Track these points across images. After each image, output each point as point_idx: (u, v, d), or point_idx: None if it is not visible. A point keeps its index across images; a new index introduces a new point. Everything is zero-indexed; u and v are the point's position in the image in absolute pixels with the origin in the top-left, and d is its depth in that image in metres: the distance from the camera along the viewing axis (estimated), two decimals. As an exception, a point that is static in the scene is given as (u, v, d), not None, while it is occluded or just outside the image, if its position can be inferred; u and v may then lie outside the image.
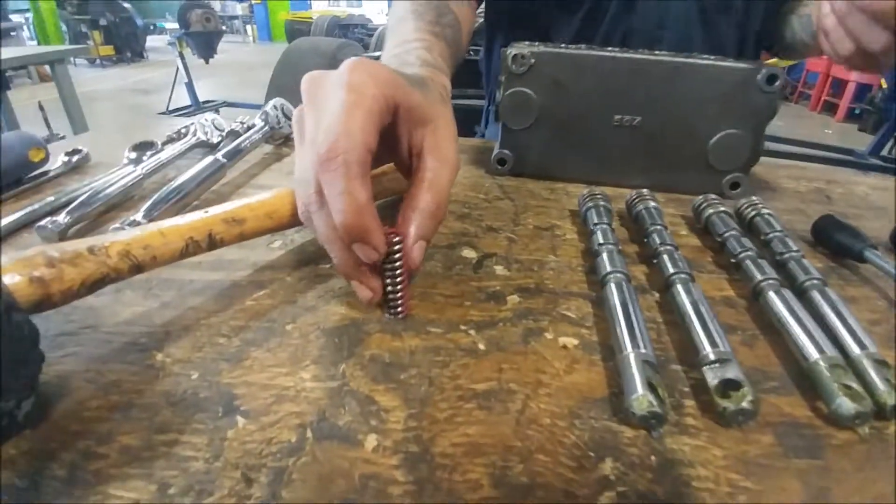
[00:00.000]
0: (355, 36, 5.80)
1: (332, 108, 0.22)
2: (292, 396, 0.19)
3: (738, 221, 0.33)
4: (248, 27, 14.08)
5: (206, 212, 0.25)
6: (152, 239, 0.22)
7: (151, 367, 0.20)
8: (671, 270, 0.26)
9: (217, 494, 0.15)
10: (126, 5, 7.67)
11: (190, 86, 4.20)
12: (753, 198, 0.34)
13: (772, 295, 0.24)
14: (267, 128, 0.47)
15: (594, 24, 0.51)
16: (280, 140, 0.49)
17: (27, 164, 0.37)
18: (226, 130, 0.46)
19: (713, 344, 0.20)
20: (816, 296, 0.25)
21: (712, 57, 0.37)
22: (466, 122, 0.73)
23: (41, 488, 0.15)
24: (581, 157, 0.40)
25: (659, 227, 0.30)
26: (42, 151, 0.38)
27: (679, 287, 0.24)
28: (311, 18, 10.23)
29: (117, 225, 0.29)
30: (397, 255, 0.23)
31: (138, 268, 0.21)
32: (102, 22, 6.88)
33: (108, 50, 7.06)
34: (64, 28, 6.97)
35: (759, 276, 0.25)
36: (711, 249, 0.31)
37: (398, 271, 0.23)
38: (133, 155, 0.41)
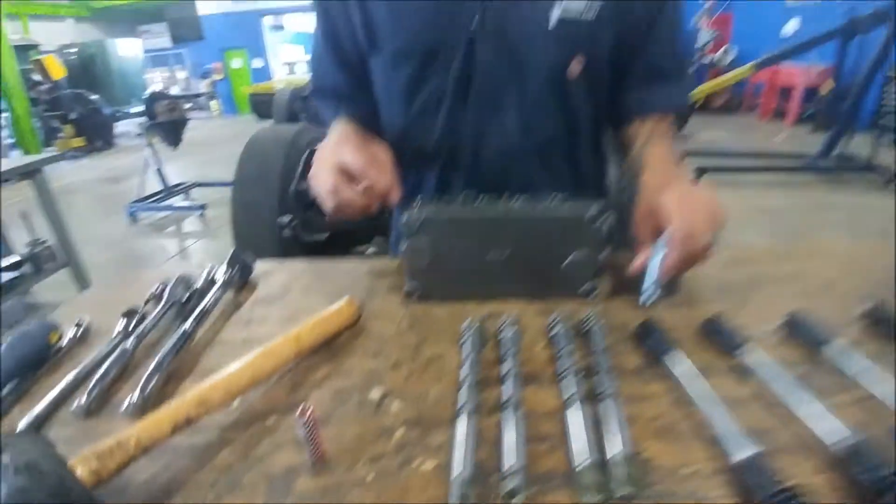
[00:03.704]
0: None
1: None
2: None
3: (576, 332, 0.45)
4: (212, 102, 14.45)
5: (184, 398, 0.36)
6: (153, 427, 0.33)
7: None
8: (506, 397, 0.37)
9: None
10: (93, 97, 7.90)
11: (159, 172, 4.33)
12: (591, 312, 0.47)
13: (571, 409, 0.36)
14: (228, 276, 0.58)
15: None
16: (240, 286, 0.60)
17: (48, 347, 0.48)
18: (194, 287, 0.57)
19: (511, 459, 0.31)
20: (608, 404, 0.36)
21: (557, 199, 0.51)
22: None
23: None
24: (471, 284, 0.53)
25: (512, 350, 0.42)
26: (57, 333, 0.49)
27: (509, 410, 0.36)
28: (272, 89, 10.66)
29: (124, 407, 0.39)
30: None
31: (146, 449, 0.33)
32: (73, 116, 7.15)
33: (79, 142, 7.33)
34: (38, 124, 7.18)
35: (567, 393, 0.37)
36: (555, 360, 0.43)
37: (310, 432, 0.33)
38: (123, 322, 0.51)
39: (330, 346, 0.47)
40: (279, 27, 16.47)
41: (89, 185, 5.66)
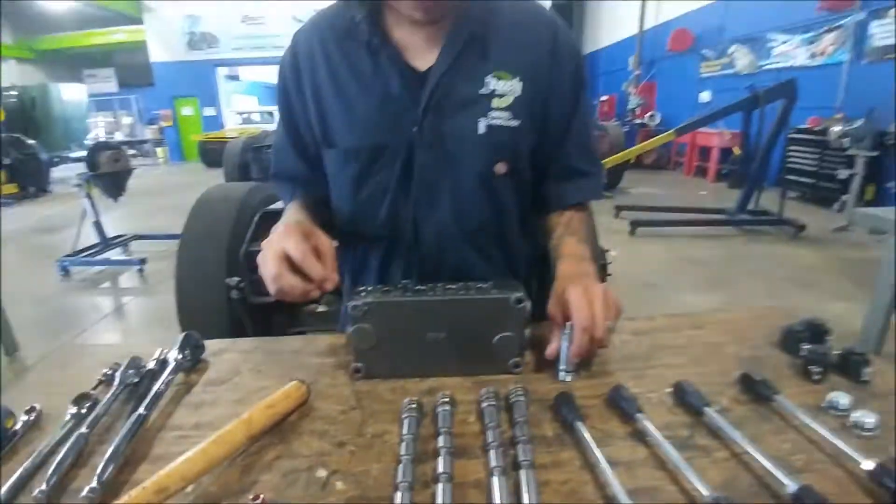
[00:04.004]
0: (268, 156, 6.09)
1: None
2: None
3: (504, 405, 0.52)
4: (159, 149, 14.08)
5: (144, 486, 0.38)
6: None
7: None
8: (439, 471, 0.42)
9: None
10: (30, 142, 7.52)
11: (97, 224, 4.13)
12: (516, 386, 0.53)
13: (494, 478, 0.41)
14: (179, 359, 0.60)
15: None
16: (191, 367, 0.62)
17: (3, 432, 0.48)
18: (145, 369, 0.59)
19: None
20: (527, 472, 0.42)
21: (484, 286, 0.59)
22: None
23: None
24: (412, 362, 0.59)
25: (446, 426, 0.47)
26: (12, 418, 0.50)
27: (440, 485, 0.41)
28: (224, 137, 10.59)
29: (83, 494, 0.40)
30: None
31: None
32: (7, 161, 6.74)
33: (11, 188, 6.89)
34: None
35: (492, 463, 0.43)
36: (483, 433, 0.49)
37: None
38: (74, 409, 0.52)
39: (280, 427, 0.50)
40: (234, 77, 16.59)
41: (20, 235, 5.28)
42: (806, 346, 0.60)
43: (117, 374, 0.58)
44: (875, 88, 4.98)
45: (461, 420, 0.51)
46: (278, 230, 0.60)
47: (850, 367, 0.57)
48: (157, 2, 12.82)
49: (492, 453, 0.44)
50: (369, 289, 0.59)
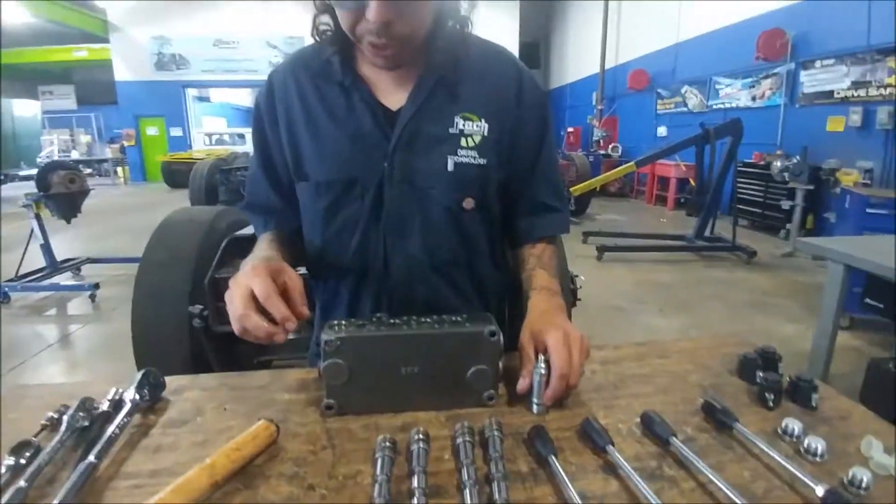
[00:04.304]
0: (239, 179, 5.99)
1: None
2: None
3: (479, 439, 0.52)
4: (119, 168, 13.57)
5: None
6: None
7: None
8: (414, 514, 0.41)
9: None
10: (-26, 159, 7.08)
11: (46, 246, 3.90)
12: (490, 419, 0.53)
13: (469, 520, 0.41)
14: (136, 400, 0.57)
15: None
16: (149, 407, 0.59)
17: None
18: (97, 411, 0.55)
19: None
20: (500, 509, 0.42)
21: (458, 320, 0.59)
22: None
23: None
24: (385, 397, 0.58)
25: (421, 465, 0.47)
26: None
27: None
28: (191, 158, 10.32)
29: None
30: None
31: None
32: (-58, 178, 6.25)
33: (-54, 208, 6.35)
34: None
35: (467, 502, 0.42)
36: (458, 471, 0.49)
37: None
38: (11, 461, 0.47)
39: (246, 471, 0.48)
40: (205, 99, 16.34)
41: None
42: (761, 374, 0.63)
43: (65, 418, 0.53)
44: (807, 128, 5.51)
45: (436, 457, 0.50)
46: (246, 267, 0.59)
47: (799, 394, 0.61)
48: (124, 22, 12.57)
49: (467, 492, 0.44)
50: (342, 323, 0.58)
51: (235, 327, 0.56)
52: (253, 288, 0.55)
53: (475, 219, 0.73)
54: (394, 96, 0.70)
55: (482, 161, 0.70)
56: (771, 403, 0.60)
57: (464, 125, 0.69)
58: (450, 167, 0.69)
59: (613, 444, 0.51)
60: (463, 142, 0.69)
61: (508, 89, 0.72)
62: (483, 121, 0.70)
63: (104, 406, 0.56)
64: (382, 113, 0.69)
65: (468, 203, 0.71)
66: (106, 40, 12.90)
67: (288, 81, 0.74)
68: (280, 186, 0.78)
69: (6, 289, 3.58)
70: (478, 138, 0.70)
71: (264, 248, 0.71)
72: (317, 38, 0.70)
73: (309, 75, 0.72)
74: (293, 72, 0.74)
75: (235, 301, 0.56)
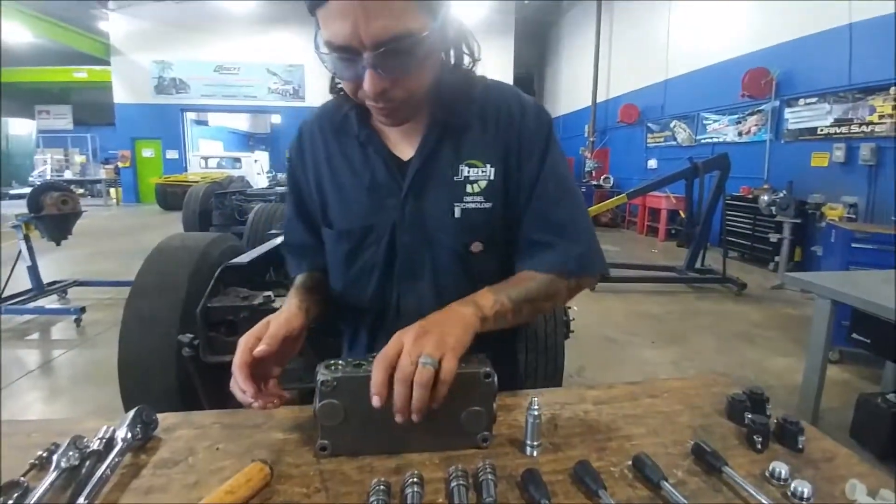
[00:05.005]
0: (234, 203, 5.99)
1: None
2: None
3: (473, 482, 0.52)
4: (112, 189, 13.55)
5: None
6: None
7: None
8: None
9: None
10: (-38, 177, 7.04)
11: (33, 268, 3.85)
12: (484, 462, 0.54)
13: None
14: (128, 438, 0.56)
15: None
16: (141, 445, 0.58)
17: None
18: (90, 449, 0.55)
19: None
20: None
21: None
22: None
23: None
24: (379, 438, 0.58)
25: (415, 510, 0.47)
26: None
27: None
28: (186, 181, 10.35)
29: None
30: None
31: None
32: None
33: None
34: None
35: (460, 552, 0.42)
36: (452, 515, 0.49)
37: None
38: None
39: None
40: (204, 122, 16.54)
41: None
42: (749, 416, 0.64)
43: (54, 457, 0.53)
44: (793, 163, 5.68)
45: (430, 501, 0.50)
46: (266, 319, 0.64)
47: (786, 436, 0.62)
48: (126, 46, 12.81)
49: (460, 539, 0.44)
50: (339, 363, 0.59)
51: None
52: (246, 343, 0.61)
53: (483, 261, 0.75)
54: (405, 147, 0.74)
55: (488, 205, 0.73)
56: (759, 446, 0.61)
57: (469, 172, 0.72)
58: (456, 214, 0.72)
59: (606, 488, 0.51)
60: (468, 188, 0.72)
61: (512, 128, 0.74)
62: (489, 165, 0.73)
63: (94, 445, 0.55)
64: (395, 164, 0.73)
65: (476, 246, 0.74)
66: (107, 63, 13.12)
67: (315, 134, 0.80)
68: (314, 228, 0.84)
69: (-10, 311, 3.51)
70: (483, 183, 0.72)
71: (294, 300, 0.73)
72: (333, 96, 0.76)
73: (332, 129, 0.78)
74: (319, 125, 0.80)
75: (237, 351, 0.60)
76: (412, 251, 0.74)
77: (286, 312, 0.68)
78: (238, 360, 0.59)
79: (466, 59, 0.73)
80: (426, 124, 0.73)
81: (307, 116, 0.83)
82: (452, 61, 0.73)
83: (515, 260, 0.79)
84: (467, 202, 0.72)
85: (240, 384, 0.58)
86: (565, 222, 0.74)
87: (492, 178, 0.73)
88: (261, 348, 0.60)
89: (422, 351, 0.54)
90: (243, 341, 0.61)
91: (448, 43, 0.70)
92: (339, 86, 0.72)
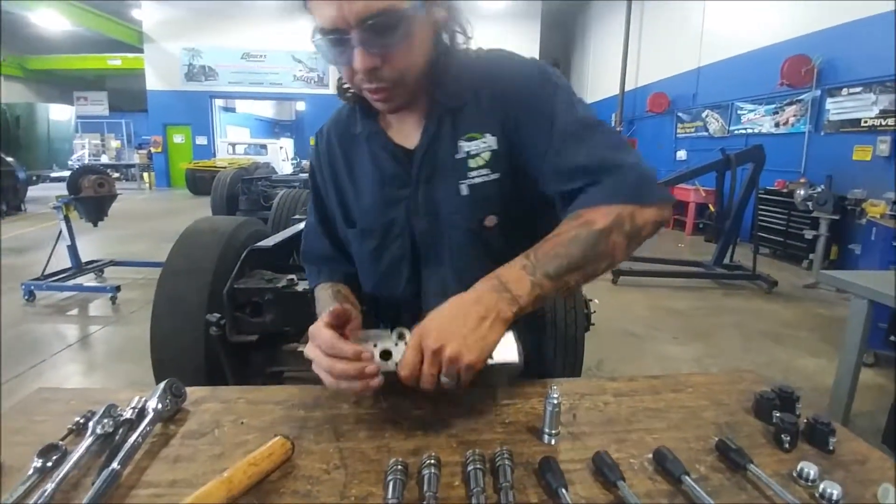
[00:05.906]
0: (259, 189, 6.13)
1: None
2: None
3: (490, 467, 0.52)
4: (145, 174, 14.00)
5: None
6: None
7: None
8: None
9: None
10: (9, 159, 7.38)
11: (72, 248, 4.03)
12: (504, 449, 0.54)
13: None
14: (159, 409, 0.59)
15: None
16: (170, 416, 0.61)
17: None
18: (123, 418, 0.57)
19: None
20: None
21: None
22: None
23: None
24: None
25: (431, 490, 0.47)
26: None
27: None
28: (214, 166, 10.60)
29: None
30: None
31: None
32: (-22, 176, 6.57)
33: (-19, 204, 6.65)
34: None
35: (476, 534, 0.43)
36: (468, 498, 0.49)
37: None
38: (39, 463, 0.50)
39: (260, 487, 0.49)
40: (231, 109, 16.87)
41: (-15, 254, 5.08)
42: (777, 415, 0.62)
43: (90, 424, 0.56)
44: (832, 157, 5.40)
45: (446, 483, 0.51)
46: (313, 326, 0.63)
47: (816, 437, 0.60)
48: (158, 34, 13.11)
49: (476, 522, 0.44)
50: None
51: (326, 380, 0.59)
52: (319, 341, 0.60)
53: (500, 234, 0.73)
54: (411, 137, 0.74)
55: (495, 176, 0.71)
56: (787, 445, 0.59)
57: (469, 147, 0.71)
58: (463, 192, 0.71)
59: (624, 480, 0.50)
60: (471, 163, 0.71)
61: (507, 92, 0.70)
62: (488, 135, 0.70)
63: (128, 414, 0.58)
64: (402, 154, 0.74)
65: (490, 220, 0.72)
66: (140, 50, 13.47)
67: (331, 139, 0.81)
68: (334, 238, 0.86)
69: (32, 287, 3.70)
70: (487, 155, 0.71)
71: (326, 299, 0.76)
72: (339, 97, 0.77)
73: (345, 133, 0.80)
74: (335, 130, 0.81)
75: (317, 357, 0.59)
76: (430, 237, 0.74)
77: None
78: (322, 332, 0.59)
79: (461, 39, 0.72)
80: (427, 110, 0.72)
81: (324, 124, 0.84)
82: (448, 42, 0.72)
83: (561, 204, 0.70)
84: (472, 177, 0.71)
85: (343, 348, 0.57)
86: (599, 159, 0.65)
87: (494, 147, 0.71)
88: (336, 307, 0.62)
89: (441, 366, 0.55)
90: (314, 327, 0.61)
91: (437, 21, 0.69)
92: (346, 85, 0.73)
